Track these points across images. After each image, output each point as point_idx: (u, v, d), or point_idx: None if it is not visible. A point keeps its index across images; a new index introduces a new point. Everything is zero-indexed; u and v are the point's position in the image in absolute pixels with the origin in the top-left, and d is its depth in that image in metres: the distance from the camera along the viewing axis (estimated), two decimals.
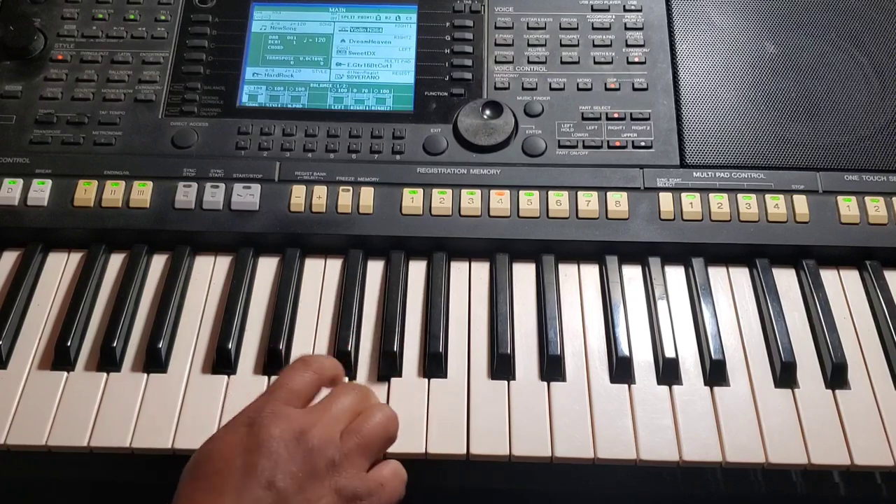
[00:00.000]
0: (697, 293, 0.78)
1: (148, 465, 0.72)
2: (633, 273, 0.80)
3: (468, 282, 0.80)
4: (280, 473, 0.56)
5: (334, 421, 0.60)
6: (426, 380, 0.73)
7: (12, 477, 0.73)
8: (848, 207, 0.81)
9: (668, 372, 0.73)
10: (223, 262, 0.82)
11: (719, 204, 0.81)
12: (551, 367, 0.73)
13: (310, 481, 0.57)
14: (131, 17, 0.92)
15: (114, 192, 0.82)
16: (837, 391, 0.73)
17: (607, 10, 0.93)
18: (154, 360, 0.74)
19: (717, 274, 0.80)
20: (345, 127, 0.86)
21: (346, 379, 0.70)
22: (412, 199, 0.82)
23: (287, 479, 0.56)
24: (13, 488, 0.77)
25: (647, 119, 0.86)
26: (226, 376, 0.74)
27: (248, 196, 0.82)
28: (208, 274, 0.81)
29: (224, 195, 0.82)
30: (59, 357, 0.74)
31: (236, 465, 0.56)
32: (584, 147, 0.85)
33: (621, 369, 0.73)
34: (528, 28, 0.92)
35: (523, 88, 0.88)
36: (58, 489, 0.76)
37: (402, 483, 0.62)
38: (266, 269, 0.81)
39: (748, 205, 0.81)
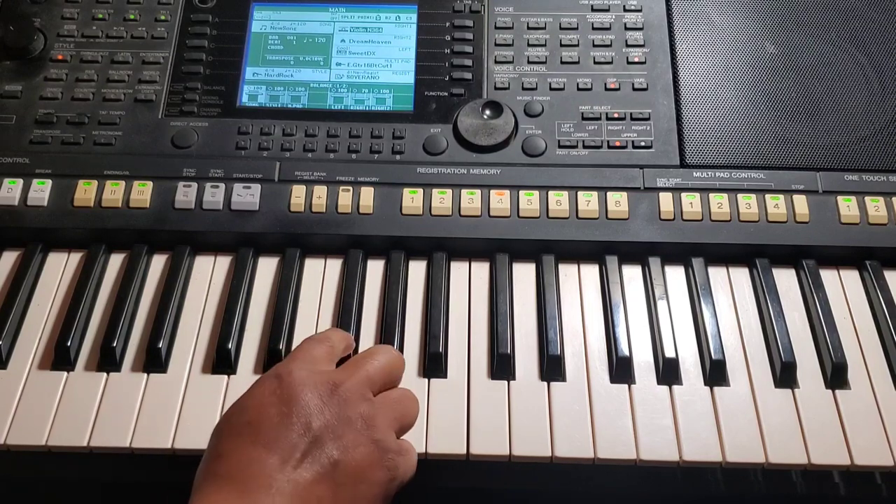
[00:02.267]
0: (697, 293, 0.78)
1: (147, 465, 0.72)
2: (633, 273, 0.81)
3: (468, 282, 0.80)
4: (315, 420, 0.56)
5: (367, 379, 0.60)
6: (426, 380, 0.73)
7: (12, 477, 0.73)
8: (848, 207, 0.81)
9: (668, 372, 0.73)
10: (223, 262, 0.82)
11: (719, 204, 0.81)
12: (551, 367, 0.73)
13: (345, 428, 0.56)
14: (131, 17, 0.92)
15: (114, 192, 0.82)
16: (837, 391, 0.73)
17: (607, 10, 0.93)
18: (154, 360, 0.74)
19: (717, 274, 0.80)
20: (345, 127, 0.86)
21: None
22: (412, 199, 0.82)
23: (322, 426, 0.56)
24: (13, 488, 0.77)
25: (647, 119, 0.86)
26: (226, 376, 0.74)
27: (248, 196, 0.82)
28: (208, 274, 0.81)
29: (224, 195, 0.82)
30: (59, 357, 0.74)
31: (270, 413, 0.56)
32: (584, 147, 0.85)
33: (621, 369, 0.73)
34: (528, 28, 0.92)
35: (523, 88, 0.88)
36: (60, 489, 0.76)
37: (416, 461, 0.63)
38: (266, 269, 0.81)
39: (748, 205, 0.81)
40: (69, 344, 0.74)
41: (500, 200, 0.82)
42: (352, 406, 0.57)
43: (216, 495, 0.54)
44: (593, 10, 0.93)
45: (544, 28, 0.92)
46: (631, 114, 0.86)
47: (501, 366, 0.74)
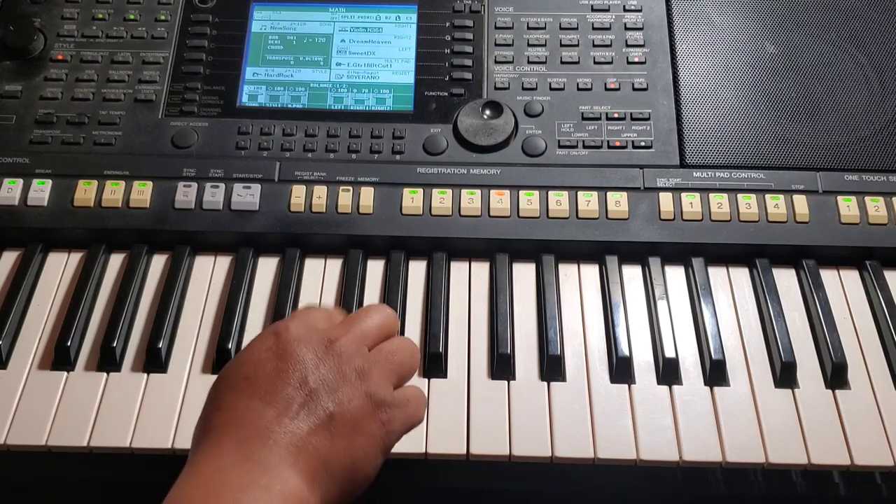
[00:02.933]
0: (697, 293, 0.78)
1: (147, 465, 0.72)
2: (633, 273, 0.80)
3: (468, 282, 0.80)
4: (311, 374, 0.56)
5: (362, 335, 0.61)
6: (426, 380, 0.73)
7: (12, 477, 0.73)
8: (848, 207, 0.81)
9: (668, 372, 0.73)
10: (223, 262, 0.82)
11: (719, 204, 0.81)
12: (551, 367, 0.73)
13: (340, 382, 0.57)
14: (131, 17, 0.92)
15: (114, 192, 0.82)
16: (837, 391, 0.73)
17: (607, 10, 0.93)
18: (154, 360, 0.74)
19: (717, 274, 0.80)
20: (345, 127, 0.86)
21: None
22: (412, 199, 0.82)
23: (318, 380, 0.56)
24: (13, 488, 0.77)
25: (647, 119, 0.86)
26: None
27: (248, 196, 0.82)
28: (208, 274, 0.81)
29: (224, 195, 0.82)
30: (59, 357, 0.74)
31: (266, 368, 0.57)
32: (584, 147, 0.85)
33: (621, 369, 0.73)
34: (528, 28, 0.92)
35: (523, 88, 0.88)
36: (60, 489, 0.76)
37: (424, 406, 0.63)
38: (266, 269, 0.81)
39: (748, 205, 0.81)
40: (69, 344, 0.74)
41: (500, 200, 0.82)
42: (346, 361, 0.58)
43: (215, 448, 0.55)
44: (593, 10, 0.93)
45: (544, 28, 0.92)
46: (631, 114, 0.86)
47: (501, 366, 0.74)
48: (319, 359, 0.58)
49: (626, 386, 0.73)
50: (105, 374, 0.74)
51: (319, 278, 0.80)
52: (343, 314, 0.67)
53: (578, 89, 0.88)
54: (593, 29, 0.91)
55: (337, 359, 0.58)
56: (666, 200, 0.82)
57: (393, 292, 0.78)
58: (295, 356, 0.57)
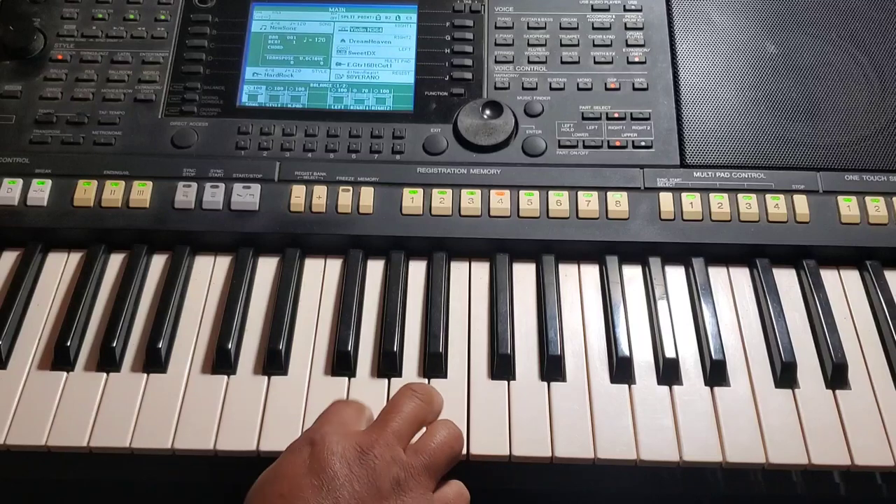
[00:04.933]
0: (698, 293, 0.78)
1: (148, 465, 0.72)
2: (633, 273, 0.80)
3: (468, 282, 0.80)
4: (346, 493, 0.56)
5: (397, 437, 0.60)
6: (426, 380, 0.73)
7: (12, 477, 0.73)
8: (848, 207, 0.81)
9: (668, 372, 0.73)
10: (223, 262, 0.81)
11: (719, 204, 0.81)
12: (551, 367, 0.73)
13: (375, 500, 0.56)
14: (131, 17, 0.92)
15: (113, 192, 0.82)
16: (838, 391, 0.73)
17: (607, 10, 0.93)
18: (154, 360, 0.74)
19: (717, 274, 0.80)
20: (345, 127, 0.86)
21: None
22: (412, 199, 0.82)
23: (352, 500, 0.56)
24: (13, 488, 0.77)
25: (648, 119, 0.86)
26: (226, 376, 0.74)
27: (248, 196, 0.82)
28: (208, 274, 0.81)
29: (224, 195, 0.82)
30: (59, 357, 0.74)
31: (301, 485, 0.56)
32: (585, 147, 0.85)
33: (621, 369, 0.73)
34: (528, 28, 0.92)
35: (523, 88, 0.88)
36: (60, 489, 0.76)
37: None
38: (266, 269, 0.81)
39: (748, 205, 0.81)
40: (69, 344, 0.74)
41: (500, 200, 0.82)
42: (381, 474, 0.57)
43: None
44: (593, 9, 0.93)
45: (544, 28, 0.92)
46: (631, 114, 0.86)
47: (501, 366, 0.74)
48: (353, 473, 0.57)
49: (626, 386, 0.73)
50: (105, 374, 0.74)
51: (319, 278, 0.80)
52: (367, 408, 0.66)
53: (578, 89, 0.88)
54: (593, 29, 0.91)
55: (372, 472, 0.57)
56: (666, 200, 0.81)
57: (393, 292, 0.78)
58: (329, 472, 0.56)
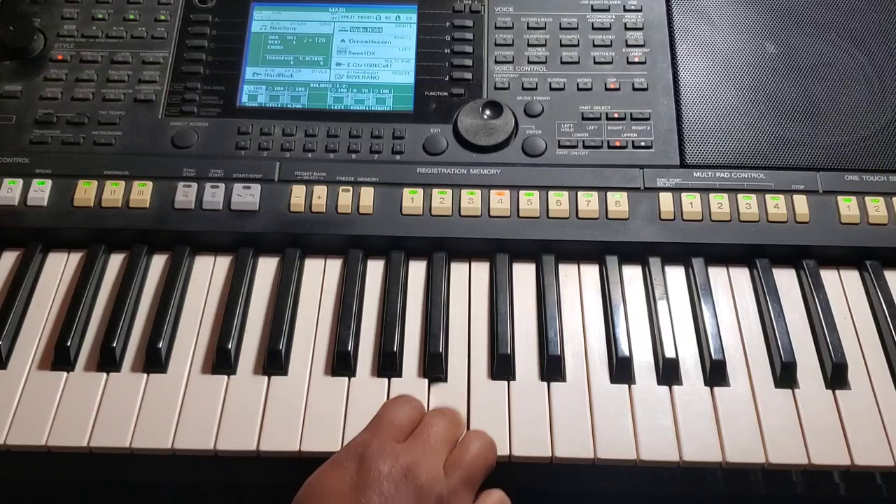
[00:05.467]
0: (697, 293, 0.78)
1: (148, 465, 0.72)
2: (633, 273, 0.80)
3: (468, 282, 0.80)
4: None
5: (436, 453, 0.61)
6: (426, 380, 0.73)
7: (12, 477, 0.73)
8: (848, 207, 0.81)
9: (668, 372, 0.73)
10: (223, 262, 0.81)
11: (719, 204, 0.81)
12: (551, 368, 0.73)
13: None
14: (131, 17, 0.92)
15: (114, 192, 0.82)
16: (837, 391, 0.73)
17: (607, 10, 0.93)
18: (154, 361, 0.74)
19: (717, 274, 0.80)
20: (345, 127, 0.86)
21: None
22: (412, 199, 0.82)
23: None
24: (13, 488, 0.77)
25: (647, 119, 0.86)
26: (226, 376, 0.74)
27: (248, 196, 0.82)
28: (208, 274, 0.81)
29: (224, 195, 0.82)
30: (59, 357, 0.74)
31: (347, 503, 0.56)
32: (584, 147, 0.85)
33: (621, 369, 0.73)
34: (528, 28, 0.92)
35: (523, 88, 0.88)
36: (60, 489, 0.76)
37: None
38: (266, 269, 0.81)
39: (748, 205, 0.81)
40: (69, 344, 0.74)
41: (500, 200, 0.82)
42: (426, 493, 0.58)
43: None
44: (593, 10, 0.93)
45: (544, 28, 0.92)
46: (631, 114, 0.86)
47: (501, 366, 0.74)
48: (399, 491, 0.57)
49: (626, 386, 0.73)
50: (105, 375, 0.74)
51: (319, 278, 0.80)
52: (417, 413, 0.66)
53: (578, 89, 0.88)
54: (593, 29, 0.91)
55: (417, 490, 0.58)
56: (666, 200, 0.82)
57: (393, 292, 0.78)
58: (375, 489, 0.57)
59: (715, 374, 0.73)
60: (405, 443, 0.62)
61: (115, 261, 0.81)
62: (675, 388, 0.73)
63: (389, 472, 0.58)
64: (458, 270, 0.81)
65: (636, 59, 0.90)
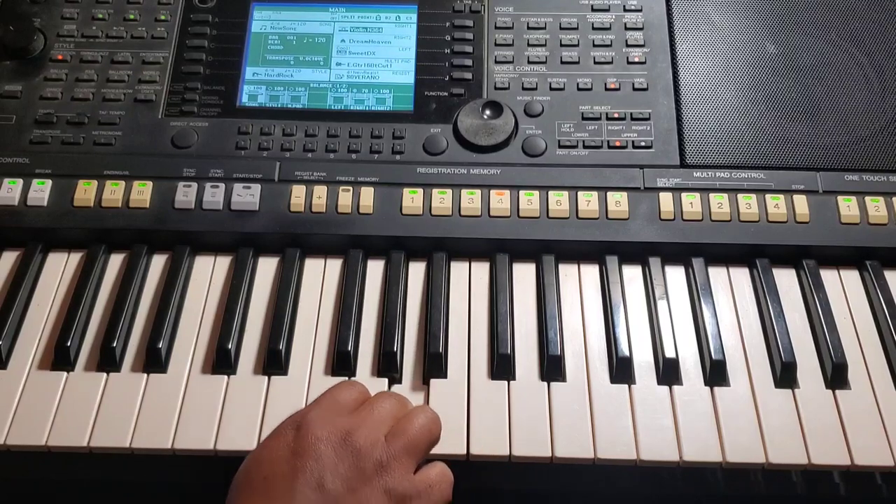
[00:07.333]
0: (697, 293, 0.78)
1: (147, 465, 0.72)
2: (633, 273, 0.80)
3: (468, 282, 0.80)
4: (329, 474, 0.56)
5: (379, 423, 0.61)
6: (426, 380, 0.73)
7: (12, 477, 0.73)
8: (848, 207, 0.81)
9: (668, 372, 0.73)
10: (223, 262, 0.81)
11: (719, 204, 0.81)
12: (551, 367, 0.73)
13: (358, 482, 0.57)
14: (131, 17, 0.92)
15: (114, 192, 0.82)
16: (837, 391, 0.73)
17: (607, 10, 0.93)
18: (154, 361, 0.74)
19: (717, 274, 0.80)
20: (345, 127, 0.86)
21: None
22: (412, 199, 0.82)
23: (336, 480, 0.56)
24: (13, 488, 0.77)
25: (647, 119, 0.86)
26: (226, 376, 0.74)
27: (248, 196, 0.82)
28: (208, 274, 0.81)
29: (224, 195, 0.82)
30: (59, 357, 0.74)
31: (284, 469, 0.57)
32: (585, 147, 0.85)
33: (621, 369, 0.73)
34: (528, 28, 0.92)
35: (523, 88, 0.88)
36: (60, 489, 0.76)
37: (450, 485, 0.63)
38: (266, 269, 0.81)
39: (748, 205, 0.81)
40: (69, 344, 0.74)
41: (500, 200, 0.82)
42: (365, 456, 0.58)
43: None
44: (593, 10, 0.93)
45: (544, 28, 0.92)
46: (631, 114, 0.86)
47: (501, 366, 0.74)
48: (337, 455, 0.57)
49: (626, 386, 0.73)
50: (105, 375, 0.74)
51: (319, 278, 0.80)
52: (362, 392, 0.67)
53: (578, 89, 0.88)
54: (593, 29, 0.91)
55: (354, 454, 0.58)
56: (666, 200, 0.82)
57: (393, 292, 0.78)
58: (312, 454, 0.57)
59: (715, 374, 0.73)
60: (347, 414, 0.63)
61: (115, 261, 0.81)
62: (675, 388, 0.73)
63: (328, 437, 0.58)
64: (458, 270, 0.81)
65: (636, 59, 0.90)
